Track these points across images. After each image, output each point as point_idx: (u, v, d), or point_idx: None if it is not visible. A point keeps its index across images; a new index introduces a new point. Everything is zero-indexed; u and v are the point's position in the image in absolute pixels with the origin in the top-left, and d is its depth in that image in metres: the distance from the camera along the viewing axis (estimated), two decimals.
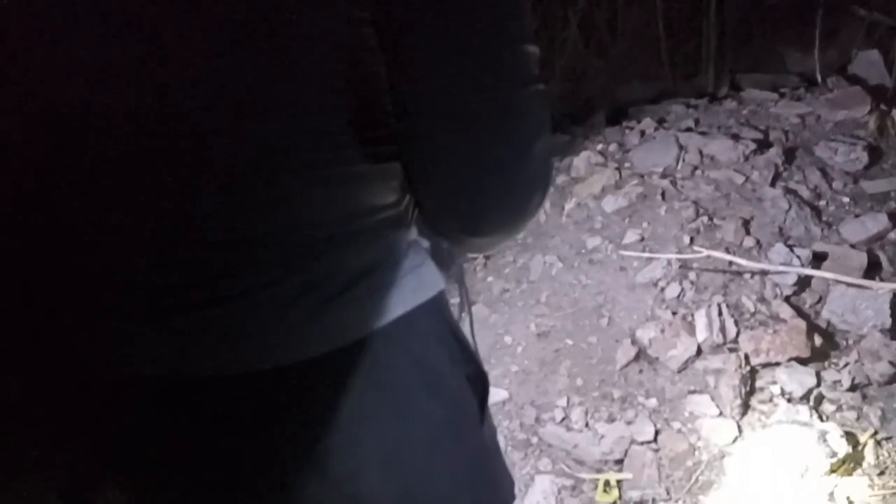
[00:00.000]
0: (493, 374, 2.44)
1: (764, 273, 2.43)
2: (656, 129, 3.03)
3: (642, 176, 2.79)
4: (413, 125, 0.68)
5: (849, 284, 2.27)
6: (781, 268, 2.33)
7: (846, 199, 2.71)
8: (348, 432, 0.71)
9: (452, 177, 0.70)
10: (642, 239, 2.59)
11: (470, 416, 0.79)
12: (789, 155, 2.83)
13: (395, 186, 0.74)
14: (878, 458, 2.14)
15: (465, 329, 0.96)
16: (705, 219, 2.60)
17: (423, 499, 0.75)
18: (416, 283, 0.76)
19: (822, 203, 2.70)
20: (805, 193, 2.71)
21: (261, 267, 0.67)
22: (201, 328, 0.68)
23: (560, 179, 2.92)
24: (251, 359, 0.68)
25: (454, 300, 0.96)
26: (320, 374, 0.70)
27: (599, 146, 3.03)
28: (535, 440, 2.26)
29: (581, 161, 2.93)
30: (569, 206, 2.78)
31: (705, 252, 2.32)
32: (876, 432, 2.18)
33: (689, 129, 2.99)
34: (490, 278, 2.72)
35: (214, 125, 0.63)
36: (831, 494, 2.03)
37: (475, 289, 2.72)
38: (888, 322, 2.34)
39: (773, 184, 2.72)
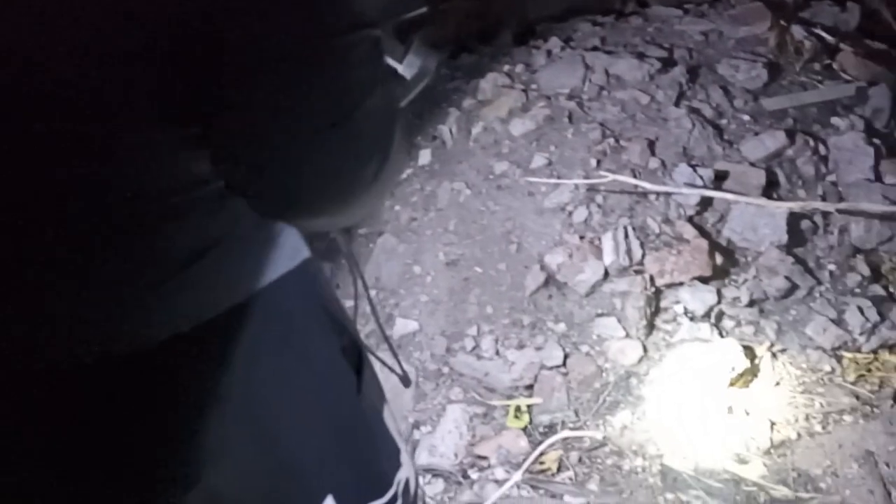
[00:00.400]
0: (402, 305, 2.42)
1: (668, 194, 2.46)
2: (563, 48, 2.98)
3: (549, 98, 2.75)
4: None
5: (748, 203, 2.30)
6: (685, 190, 2.35)
7: (746, 118, 2.74)
8: (219, 404, 0.68)
9: (261, 159, 0.62)
10: (550, 163, 2.57)
11: (346, 386, 0.76)
12: (693, 73, 2.84)
13: None
14: (773, 369, 2.23)
15: (356, 304, 0.93)
16: (612, 141, 2.59)
17: (297, 465, 0.73)
18: (274, 254, 0.71)
19: (724, 122, 2.73)
20: (708, 112, 2.73)
21: (95, 246, 0.62)
22: (50, 316, 0.62)
23: (467, 103, 2.85)
24: (95, 346, 0.63)
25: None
26: (186, 349, 0.67)
27: (506, 67, 2.97)
28: (445, 370, 2.26)
29: (488, 83, 2.87)
30: (476, 130, 2.72)
31: (611, 177, 2.32)
32: (772, 345, 2.27)
33: (595, 49, 2.95)
34: (397, 207, 2.67)
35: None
36: (730, 408, 2.12)
37: (382, 217, 2.67)
38: (784, 238, 2.41)
39: (677, 103, 2.72)
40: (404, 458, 0.82)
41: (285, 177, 0.62)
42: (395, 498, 0.82)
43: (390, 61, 0.90)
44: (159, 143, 0.59)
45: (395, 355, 0.98)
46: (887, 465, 1.94)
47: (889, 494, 1.87)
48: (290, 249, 0.73)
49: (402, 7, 0.86)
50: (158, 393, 0.67)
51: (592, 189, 2.47)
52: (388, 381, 2.04)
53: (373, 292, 2.50)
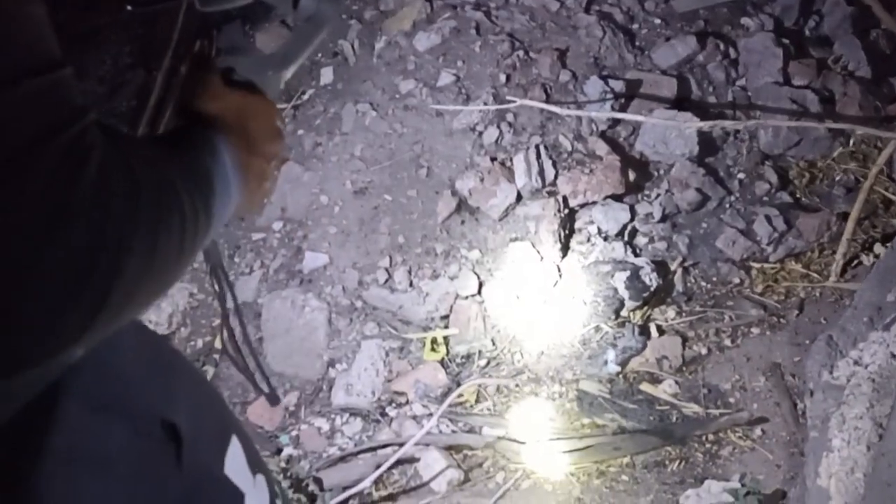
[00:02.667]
0: (311, 238, 2.33)
1: (580, 107, 2.39)
2: None
3: (455, 7, 2.60)
4: None
5: (658, 120, 2.26)
6: (594, 114, 2.28)
7: (657, 21, 2.67)
8: None
9: None
10: (458, 79, 2.45)
11: (156, 470, 0.67)
12: None
13: None
14: (685, 284, 2.25)
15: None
16: (521, 53, 2.48)
17: None
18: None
19: (635, 27, 2.64)
20: (619, 17, 2.64)
21: None
22: None
23: (368, 14, 2.68)
24: None
25: None
26: None
27: None
28: (359, 304, 2.21)
29: None
30: (379, 45, 2.57)
31: (519, 101, 2.22)
32: (684, 259, 2.28)
33: None
34: (300, 131, 2.53)
35: None
36: (644, 326, 2.14)
37: (285, 143, 2.52)
38: (696, 149, 2.39)
39: (587, 9, 2.62)
40: (248, 500, 0.75)
41: None
42: None
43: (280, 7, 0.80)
44: None
45: (264, 375, 0.90)
46: (793, 376, 2.00)
47: (795, 406, 1.93)
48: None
49: None
50: None
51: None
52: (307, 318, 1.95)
53: (279, 224, 2.40)
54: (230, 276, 2.29)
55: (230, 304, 0.88)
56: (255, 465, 0.81)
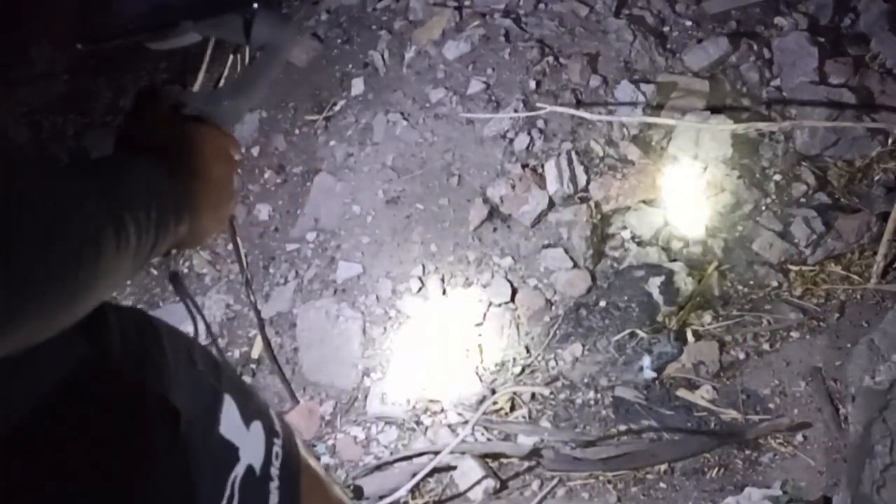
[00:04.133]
0: (344, 248, 2.34)
1: (611, 112, 2.38)
2: None
3: (484, 15, 2.61)
4: None
5: (691, 123, 2.23)
6: (626, 119, 2.27)
7: (689, 23, 2.64)
8: None
9: None
10: (488, 87, 2.45)
11: (152, 449, 0.69)
12: None
13: None
14: (722, 288, 2.22)
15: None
16: (550, 59, 2.48)
17: None
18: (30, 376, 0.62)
19: (666, 29, 2.62)
20: (649, 20, 2.62)
21: None
22: None
23: (397, 24, 2.69)
24: None
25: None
26: None
27: None
28: (392, 313, 2.21)
29: (418, 1, 2.70)
30: (408, 55, 2.58)
31: (549, 108, 2.21)
32: (720, 263, 2.25)
33: None
34: (332, 142, 2.55)
35: None
36: (680, 332, 2.11)
37: (317, 154, 2.55)
38: (730, 151, 2.36)
39: (617, 13, 2.60)
40: (242, 453, 0.79)
41: None
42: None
43: (228, 39, 0.80)
44: None
45: (287, 384, 0.91)
46: (834, 380, 1.96)
47: (837, 411, 1.89)
48: (52, 357, 0.63)
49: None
50: None
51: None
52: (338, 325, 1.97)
53: (312, 235, 2.42)
54: (265, 287, 2.33)
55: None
56: (249, 415, 0.83)
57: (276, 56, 0.79)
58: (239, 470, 0.78)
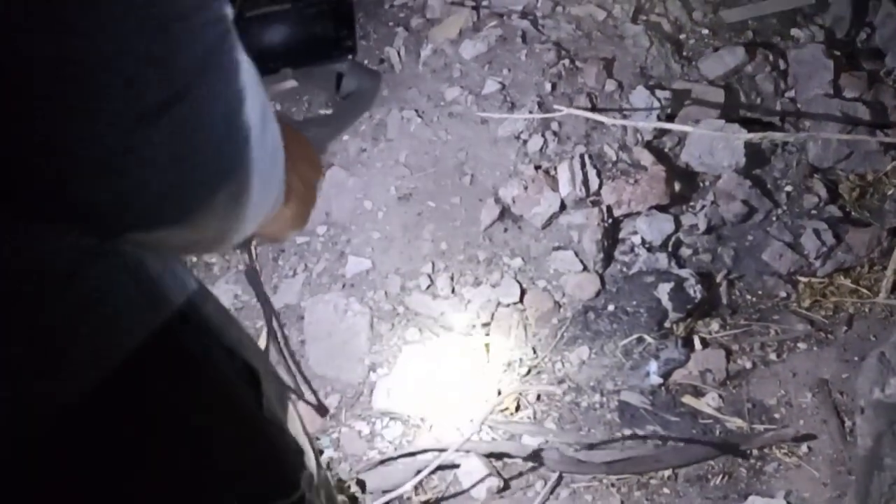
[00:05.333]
0: (354, 243, 2.35)
1: (625, 117, 2.38)
2: None
3: (501, 16, 2.61)
4: None
5: (705, 131, 2.24)
6: (640, 124, 2.27)
7: (706, 31, 2.65)
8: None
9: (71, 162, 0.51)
10: (503, 88, 2.45)
11: (242, 406, 0.73)
12: None
13: None
14: (730, 297, 2.22)
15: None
16: (567, 62, 2.48)
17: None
18: (153, 304, 0.66)
19: (683, 37, 2.63)
20: (666, 27, 2.62)
21: None
22: None
23: (415, 22, 2.70)
24: None
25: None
26: (85, 412, 0.61)
27: None
28: (401, 309, 2.21)
29: (436, 0, 2.71)
30: (425, 52, 2.58)
31: (565, 110, 2.22)
32: (729, 272, 2.25)
33: None
34: (346, 137, 2.54)
35: None
36: (687, 339, 2.11)
37: (330, 149, 2.55)
38: (743, 161, 2.36)
39: (634, 18, 2.61)
40: (307, 459, 0.80)
41: (108, 179, 0.50)
42: (301, 498, 0.82)
43: (320, 88, 0.88)
44: None
45: (311, 387, 0.94)
46: (841, 393, 1.96)
47: (843, 423, 1.89)
48: (171, 290, 0.66)
49: (324, 54, 0.81)
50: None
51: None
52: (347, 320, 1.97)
53: (323, 229, 2.42)
54: (274, 279, 2.33)
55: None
56: (307, 434, 0.85)
57: (364, 104, 0.87)
58: (306, 475, 0.79)
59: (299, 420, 0.83)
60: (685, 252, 2.28)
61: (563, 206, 2.26)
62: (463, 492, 1.90)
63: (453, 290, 2.21)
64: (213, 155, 0.51)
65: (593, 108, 2.39)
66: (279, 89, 0.81)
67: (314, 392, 0.97)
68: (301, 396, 0.88)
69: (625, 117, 2.38)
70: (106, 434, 0.63)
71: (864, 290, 2.18)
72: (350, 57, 0.82)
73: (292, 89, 0.83)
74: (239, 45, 0.52)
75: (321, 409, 0.92)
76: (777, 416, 1.97)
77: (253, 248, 1.11)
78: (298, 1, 0.80)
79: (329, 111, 0.84)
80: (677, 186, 2.32)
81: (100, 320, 0.61)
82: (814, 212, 2.35)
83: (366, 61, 2.67)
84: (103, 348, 0.62)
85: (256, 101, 0.53)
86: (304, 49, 0.80)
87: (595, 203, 2.26)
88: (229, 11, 0.52)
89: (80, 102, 0.46)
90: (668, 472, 1.89)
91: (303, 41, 0.80)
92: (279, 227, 0.76)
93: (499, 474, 1.92)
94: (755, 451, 1.90)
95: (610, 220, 2.25)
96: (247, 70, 0.53)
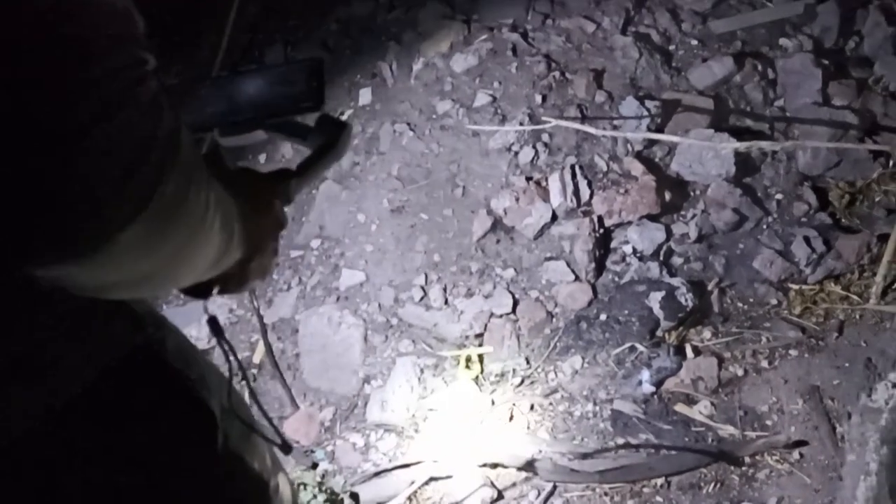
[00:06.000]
0: (348, 256, 2.36)
1: (615, 127, 2.40)
2: None
3: (492, 29, 2.64)
4: None
5: (695, 141, 2.26)
6: (630, 135, 2.29)
7: (695, 42, 2.67)
8: None
9: None
10: (494, 100, 2.48)
11: (197, 445, 0.72)
12: None
13: None
14: (722, 305, 2.23)
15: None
16: (557, 74, 2.50)
17: None
18: (93, 347, 0.65)
19: (672, 48, 2.65)
20: (655, 38, 2.65)
21: None
22: None
23: (406, 36, 2.72)
24: None
25: None
26: (34, 445, 0.62)
27: None
28: (394, 321, 2.23)
29: (427, 14, 2.73)
30: (416, 66, 2.61)
31: (554, 122, 2.24)
32: (720, 280, 2.27)
33: None
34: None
35: None
36: (679, 347, 2.12)
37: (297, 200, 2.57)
38: (732, 170, 2.38)
39: (623, 30, 2.63)
40: (272, 491, 0.80)
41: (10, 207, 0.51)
42: None
43: (292, 143, 0.90)
44: None
45: (273, 426, 0.94)
46: (832, 399, 1.97)
47: (834, 430, 1.90)
48: (119, 336, 0.66)
49: (289, 106, 0.84)
50: None
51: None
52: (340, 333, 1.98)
53: (317, 242, 2.44)
54: (268, 293, 2.35)
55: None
56: (277, 466, 0.85)
57: (334, 155, 0.88)
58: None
59: (268, 453, 0.84)
60: (676, 261, 2.29)
61: (554, 217, 2.28)
62: (457, 503, 1.91)
63: (446, 302, 2.22)
64: (113, 191, 0.52)
65: (583, 120, 2.41)
66: (248, 141, 0.83)
67: (277, 430, 0.97)
68: (265, 437, 0.88)
69: (615, 128, 2.40)
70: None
71: (855, 297, 2.19)
72: (319, 110, 0.85)
73: (262, 142, 0.86)
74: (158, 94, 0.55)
75: (285, 448, 0.92)
76: (769, 422, 1.97)
77: (214, 294, 1.12)
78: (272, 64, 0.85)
79: (299, 161, 0.86)
80: (668, 196, 2.33)
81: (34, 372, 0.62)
82: (804, 219, 2.37)
83: (358, 76, 2.69)
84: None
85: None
86: (274, 102, 0.83)
87: (586, 213, 2.28)
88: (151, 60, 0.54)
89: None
90: (660, 481, 1.90)
91: (272, 95, 0.84)
92: (240, 278, 0.77)
93: (492, 485, 1.92)
94: (747, 459, 1.91)
95: (601, 230, 2.27)
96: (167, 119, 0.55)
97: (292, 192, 0.86)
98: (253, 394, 0.98)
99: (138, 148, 0.53)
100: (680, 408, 2.01)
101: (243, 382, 0.93)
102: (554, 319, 2.19)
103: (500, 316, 2.18)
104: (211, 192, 0.60)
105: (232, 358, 0.89)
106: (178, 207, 0.56)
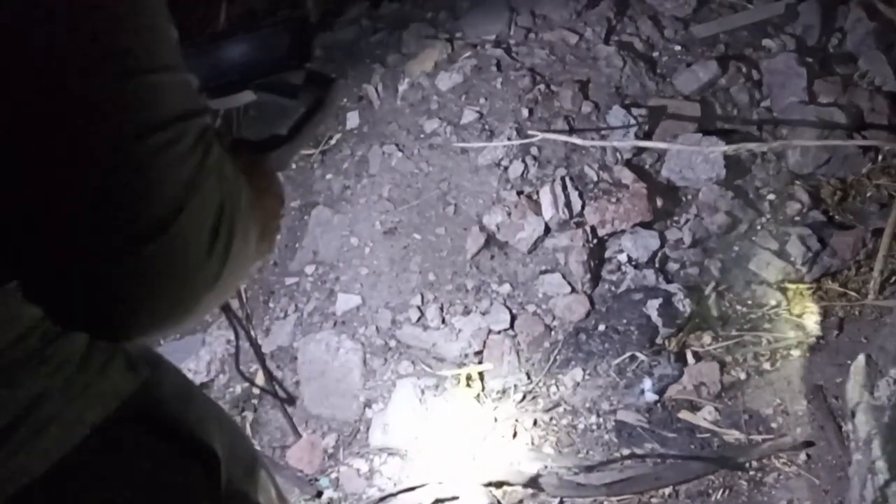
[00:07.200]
0: (343, 280, 2.36)
1: (603, 137, 2.40)
2: None
3: (475, 46, 2.65)
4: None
5: (684, 146, 2.26)
6: (618, 143, 2.29)
7: (678, 48, 2.68)
8: None
9: (77, 282, 0.54)
10: (481, 116, 2.48)
11: (196, 495, 0.71)
12: (621, 5, 2.74)
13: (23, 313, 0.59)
14: (720, 309, 2.22)
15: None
16: (542, 87, 2.51)
17: None
18: (86, 403, 0.64)
19: (656, 54, 2.65)
20: (639, 46, 2.65)
21: None
22: None
23: (391, 58, 2.73)
24: None
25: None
26: None
27: (429, 14, 2.84)
28: (392, 343, 2.22)
29: (411, 35, 2.74)
30: (402, 87, 2.61)
31: (541, 135, 2.24)
32: (717, 284, 2.26)
33: None
34: (329, 175, 2.57)
35: None
36: (680, 353, 2.11)
37: (314, 188, 2.57)
38: (723, 173, 2.38)
39: (606, 40, 2.64)
40: None
41: (108, 297, 0.54)
42: None
43: (279, 98, 0.87)
44: None
45: (272, 376, 0.94)
46: (836, 398, 1.95)
47: (840, 428, 1.88)
48: (109, 387, 0.65)
49: (273, 65, 0.82)
50: None
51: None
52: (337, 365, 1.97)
53: (311, 268, 2.43)
54: (265, 322, 2.34)
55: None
56: (283, 500, 0.83)
57: (324, 113, 0.86)
58: None
59: (273, 486, 0.83)
60: (672, 267, 2.28)
61: (547, 230, 2.27)
62: None
63: (444, 321, 2.21)
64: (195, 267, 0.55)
65: (571, 131, 2.41)
66: (237, 102, 0.82)
67: (275, 379, 0.96)
68: (269, 392, 0.87)
69: (603, 138, 2.40)
70: None
71: (853, 293, 2.18)
72: (306, 66, 0.83)
73: (251, 103, 0.84)
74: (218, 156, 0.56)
75: (289, 399, 0.90)
76: (774, 425, 1.96)
77: (243, 291, 1.12)
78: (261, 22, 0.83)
79: (289, 124, 0.84)
80: (660, 202, 2.33)
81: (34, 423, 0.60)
82: (797, 218, 2.36)
83: (344, 100, 2.70)
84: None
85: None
86: (260, 61, 0.82)
87: (579, 224, 2.28)
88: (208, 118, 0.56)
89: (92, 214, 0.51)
90: (668, 490, 1.88)
91: (259, 54, 0.82)
92: (246, 264, 0.76)
93: (499, 503, 1.90)
94: (754, 463, 1.89)
95: (595, 241, 2.26)
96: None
97: (286, 156, 0.84)
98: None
99: (218, 209, 0.55)
100: (684, 415, 2.00)
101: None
102: (553, 332, 2.18)
103: (499, 332, 2.17)
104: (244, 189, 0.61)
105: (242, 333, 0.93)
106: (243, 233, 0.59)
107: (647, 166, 2.43)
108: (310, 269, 2.41)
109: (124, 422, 0.65)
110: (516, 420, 2.05)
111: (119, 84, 0.50)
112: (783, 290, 2.23)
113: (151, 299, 0.54)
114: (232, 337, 2.36)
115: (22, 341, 0.57)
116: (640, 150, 2.42)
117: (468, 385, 2.11)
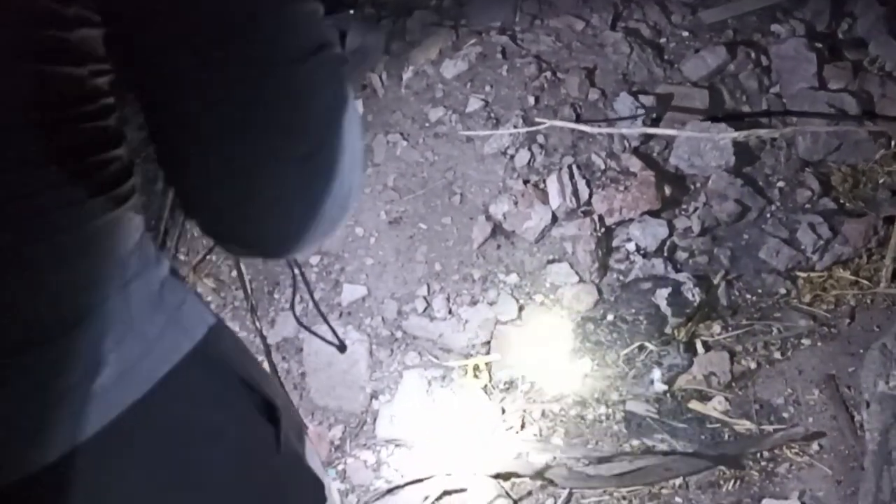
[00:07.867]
0: (348, 270, 2.33)
1: (611, 124, 2.37)
2: None
3: (480, 33, 2.61)
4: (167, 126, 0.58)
5: (692, 133, 2.23)
6: (626, 131, 2.26)
7: (686, 34, 2.64)
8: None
9: (226, 183, 0.59)
10: (486, 104, 2.45)
11: (260, 449, 0.71)
12: None
13: (135, 224, 0.64)
14: (730, 298, 2.20)
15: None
16: (548, 74, 2.48)
17: None
18: (174, 338, 0.65)
19: (663, 41, 2.62)
20: (646, 32, 2.62)
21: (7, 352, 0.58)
22: None
23: (395, 46, 2.69)
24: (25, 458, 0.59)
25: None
26: (85, 461, 0.61)
27: (433, 1, 2.81)
28: (399, 335, 2.20)
29: (415, 22, 2.71)
30: (406, 75, 2.58)
31: (548, 122, 2.21)
32: (727, 272, 2.23)
33: None
34: None
35: None
36: (689, 343, 2.09)
37: None
38: (732, 160, 2.35)
39: (613, 26, 2.61)
40: (328, 492, 0.78)
41: (262, 214, 0.59)
42: None
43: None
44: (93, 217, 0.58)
45: (327, 322, 0.98)
46: (848, 387, 1.93)
47: (852, 418, 1.86)
48: (190, 322, 0.67)
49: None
50: None
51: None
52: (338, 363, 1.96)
53: (316, 258, 2.41)
54: (270, 313, 2.32)
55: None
56: (324, 472, 0.83)
57: (368, 58, 0.89)
58: None
59: (316, 453, 0.83)
60: (681, 256, 2.26)
61: (554, 219, 2.25)
62: None
63: (450, 311, 2.19)
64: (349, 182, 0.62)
65: (578, 118, 2.38)
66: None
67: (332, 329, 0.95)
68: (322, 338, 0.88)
69: (610, 125, 2.37)
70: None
71: (865, 281, 2.15)
72: (351, 12, 0.85)
73: None
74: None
75: (341, 347, 0.91)
76: (785, 415, 1.94)
77: (248, 283, 1.11)
78: None
79: None
80: (668, 190, 2.30)
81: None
82: (808, 206, 2.34)
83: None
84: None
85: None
86: None
87: (586, 213, 2.25)
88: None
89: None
90: (679, 481, 1.86)
91: None
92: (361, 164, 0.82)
93: (508, 495, 1.89)
94: (766, 453, 1.87)
95: (603, 229, 2.24)
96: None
97: None
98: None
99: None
100: (694, 405, 1.97)
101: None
102: (560, 322, 2.15)
103: (506, 322, 2.15)
104: None
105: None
106: None
107: (655, 154, 2.40)
108: (315, 260, 2.39)
109: (193, 368, 0.65)
110: (524, 411, 2.03)
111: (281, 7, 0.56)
112: (793, 279, 2.21)
113: (299, 219, 0.60)
114: (237, 328, 2.35)
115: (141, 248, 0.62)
116: (647, 138, 2.39)
117: (475, 376, 2.09)
